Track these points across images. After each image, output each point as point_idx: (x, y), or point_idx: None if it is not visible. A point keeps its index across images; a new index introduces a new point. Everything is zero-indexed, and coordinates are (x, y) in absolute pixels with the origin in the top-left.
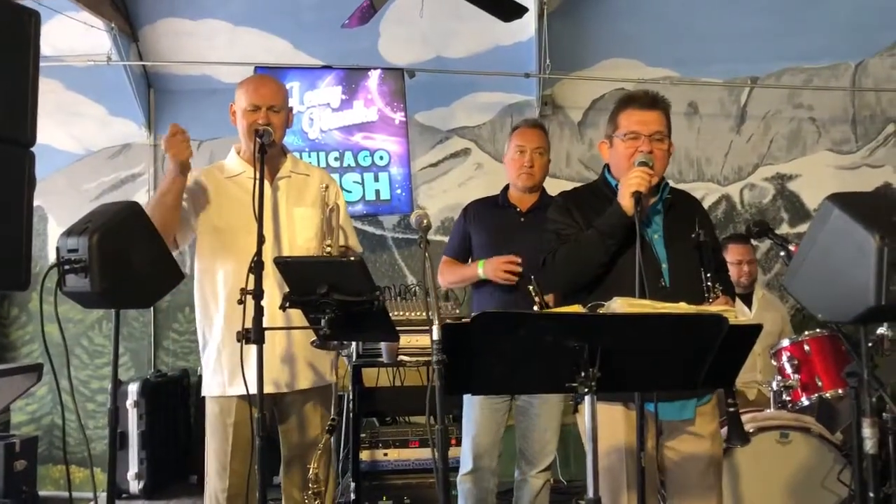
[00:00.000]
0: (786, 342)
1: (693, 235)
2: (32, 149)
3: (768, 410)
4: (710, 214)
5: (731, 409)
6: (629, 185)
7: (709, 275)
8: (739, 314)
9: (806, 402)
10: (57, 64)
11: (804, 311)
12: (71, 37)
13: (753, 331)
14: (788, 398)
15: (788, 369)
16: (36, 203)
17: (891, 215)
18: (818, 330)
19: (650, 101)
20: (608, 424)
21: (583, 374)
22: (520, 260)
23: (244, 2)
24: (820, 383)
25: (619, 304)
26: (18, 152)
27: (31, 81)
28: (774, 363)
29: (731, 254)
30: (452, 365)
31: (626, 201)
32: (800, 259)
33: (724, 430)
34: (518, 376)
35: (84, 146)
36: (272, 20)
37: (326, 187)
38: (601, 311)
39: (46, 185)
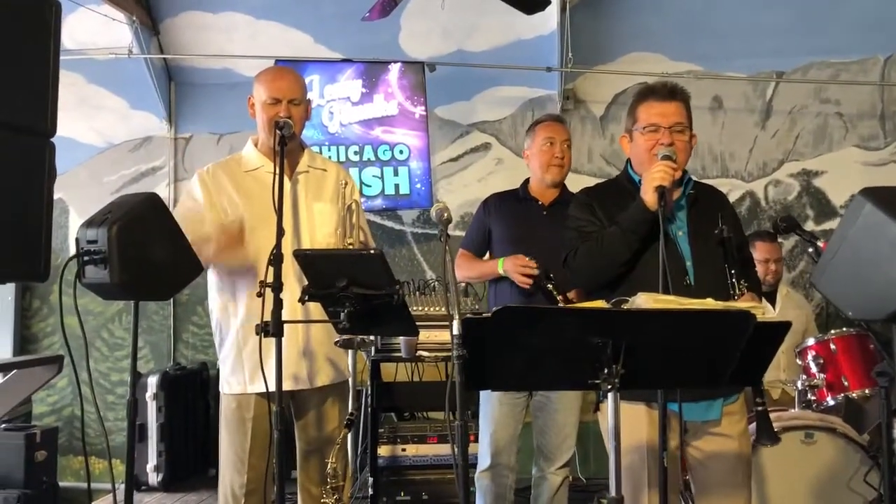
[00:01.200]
0: (811, 341)
1: (716, 231)
2: (54, 141)
3: (793, 410)
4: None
5: (760, 409)
6: (652, 179)
7: (733, 271)
8: (767, 312)
9: (831, 402)
10: (79, 57)
11: (829, 309)
12: (92, 30)
13: (781, 328)
14: (813, 398)
15: (814, 368)
16: (57, 196)
17: None
18: (844, 329)
19: (668, 92)
20: (630, 423)
21: (606, 371)
22: (535, 264)
23: None
24: (846, 383)
25: (643, 300)
26: (39, 142)
27: (51, 72)
28: (799, 362)
29: (758, 252)
30: (472, 360)
31: (649, 196)
32: (829, 255)
33: (752, 426)
34: (539, 372)
35: (105, 139)
36: (293, 13)
37: (346, 184)
38: (625, 306)
39: (68, 178)
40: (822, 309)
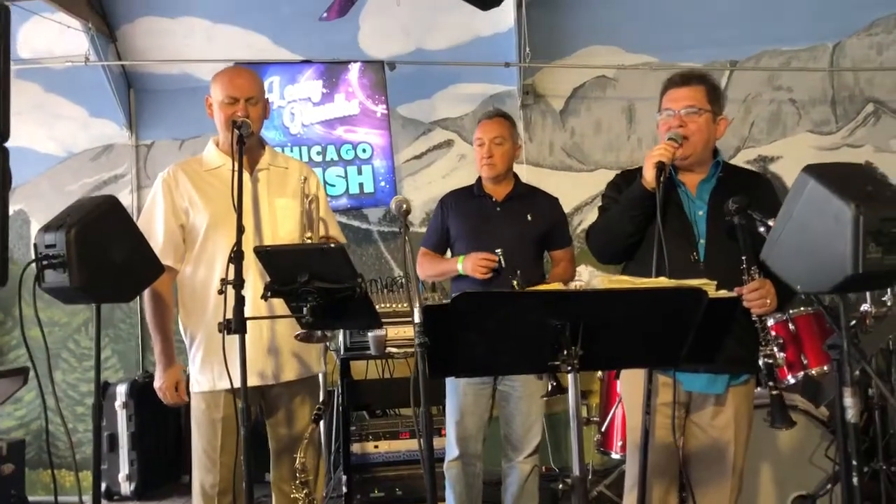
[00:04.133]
0: (771, 321)
1: (727, 219)
2: (13, 151)
3: (757, 389)
4: None
5: (775, 392)
6: (651, 156)
7: (744, 257)
8: None
9: (792, 381)
10: (35, 66)
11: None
12: (48, 38)
13: (733, 303)
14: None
15: (774, 348)
16: (18, 206)
17: (866, 184)
18: (802, 308)
19: (681, 78)
20: (638, 394)
21: (565, 352)
22: (496, 257)
23: None
24: (805, 361)
25: (598, 281)
26: None
27: (2, 75)
28: None
29: None
30: (435, 348)
31: (647, 173)
32: (777, 232)
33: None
34: (501, 357)
35: (65, 148)
36: (250, 16)
37: (305, 179)
38: (580, 287)
39: (28, 189)
40: None
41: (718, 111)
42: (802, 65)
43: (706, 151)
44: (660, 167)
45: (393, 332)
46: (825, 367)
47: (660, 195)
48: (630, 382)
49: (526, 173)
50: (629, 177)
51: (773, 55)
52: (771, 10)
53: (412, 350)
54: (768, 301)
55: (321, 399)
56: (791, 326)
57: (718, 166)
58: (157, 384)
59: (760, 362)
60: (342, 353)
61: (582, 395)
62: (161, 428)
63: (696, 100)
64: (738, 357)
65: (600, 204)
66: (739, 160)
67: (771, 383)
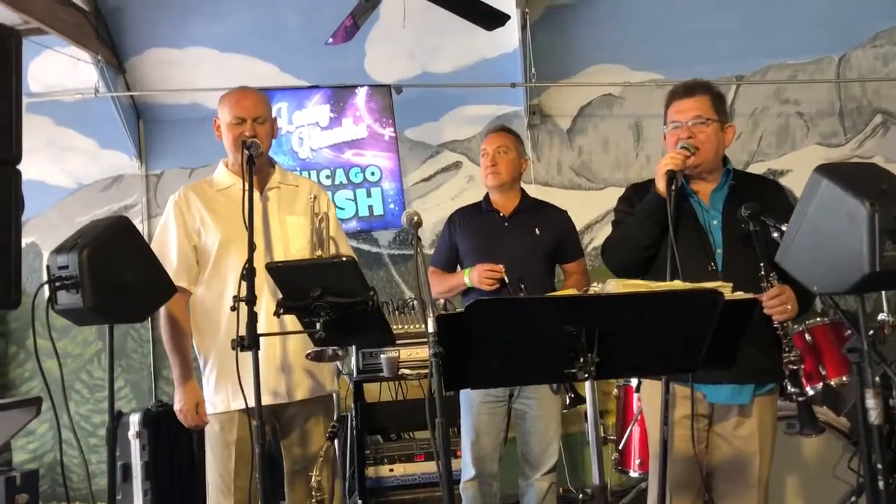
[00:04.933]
0: None
1: (742, 226)
2: (26, 184)
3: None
4: None
5: (801, 399)
6: (662, 165)
7: (762, 264)
8: None
9: (811, 392)
10: (46, 100)
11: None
12: (58, 72)
13: (750, 305)
14: (794, 389)
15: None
16: (30, 239)
17: (879, 182)
18: (819, 319)
19: (686, 89)
20: (659, 401)
21: (581, 359)
22: (501, 267)
23: (229, 28)
24: (824, 371)
25: (613, 286)
26: (5, 170)
27: (14, 99)
28: None
29: None
30: (449, 358)
31: (660, 183)
32: (791, 234)
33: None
34: (517, 366)
35: (76, 180)
36: (257, 44)
37: (315, 197)
38: (594, 292)
39: (40, 221)
40: None
41: (725, 119)
42: (809, 77)
43: (717, 160)
44: (671, 176)
45: (406, 353)
46: (844, 378)
47: (671, 203)
48: (650, 395)
49: (535, 193)
50: (640, 189)
51: (780, 69)
52: (776, 24)
53: (426, 371)
54: (789, 307)
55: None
56: (808, 337)
57: (729, 174)
58: (177, 406)
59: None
60: (355, 375)
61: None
62: (175, 457)
63: (703, 110)
64: (763, 366)
65: (613, 219)
66: None
67: (796, 390)
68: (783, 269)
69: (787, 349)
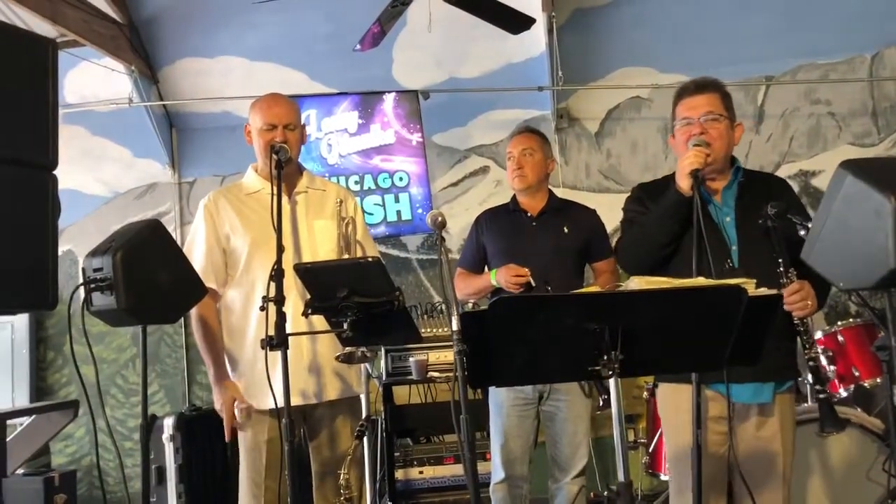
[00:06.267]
0: (819, 334)
1: (760, 221)
2: (62, 193)
3: (805, 404)
4: None
5: (822, 396)
6: (685, 165)
7: (780, 260)
8: None
9: (844, 394)
10: (81, 110)
11: (837, 306)
12: (93, 83)
13: (775, 301)
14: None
15: (823, 361)
16: (66, 247)
17: None
18: (851, 320)
19: (697, 86)
20: (677, 408)
21: (605, 357)
22: (527, 270)
23: (258, 37)
24: (857, 373)
25: (636, 283)
26: (42, 175)
27: (51, 107)
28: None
29: None
30: (473, 355)
31: (683, 182)
32: (816, 230)
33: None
34: (541, 363)
35: (111, 188)
36: (287, 53)
37: (342, 202)
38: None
39: (76, 230)
40: (831, 308)
41: (733, 117)
42: (841, 77)
43: (727, 158)
44: (695, 175)
45: (434, 356)
46: (878, 379)
47: (697, 202)
48: (666, 398)
49: (563, 196)
50: (650, 189)
51: (810, 69)
52: (806, 24)
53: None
54: (809, 303)
55: (364, 416)
56: (840, 339)
57: (739, 171)
58: (217, 405)
59: (809, 378)
60: (384, 378)
61: (628, 418)
62: (208, 460)
63: (714, 106)
64: (783, 363)
65: (624, 219)
66: (780, 175)
67: (818, 387)
68: (802, 265)
69: (807, 346)
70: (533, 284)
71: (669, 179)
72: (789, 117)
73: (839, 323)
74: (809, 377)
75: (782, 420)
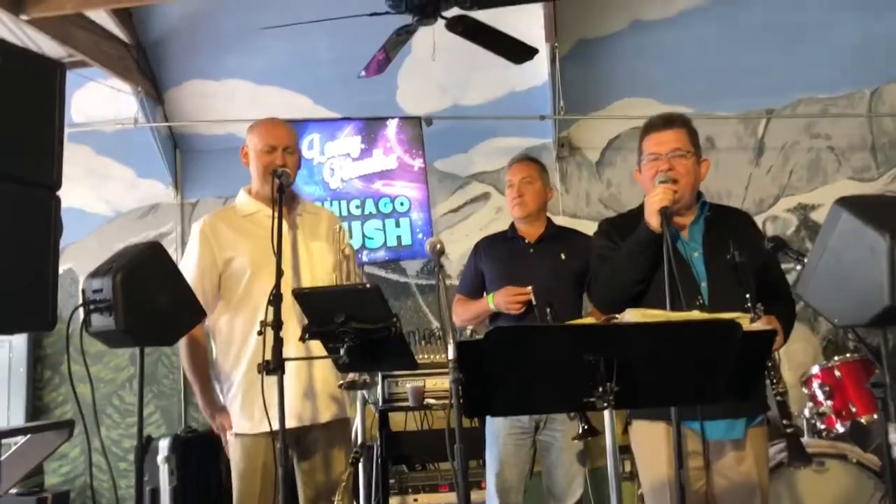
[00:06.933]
0: (816, 369)
1: (728, 257)
2: (64, 212)
3: (802, 439)
4: None
5: (790, 430)
6: (652, 202)
7: (748, 295)
8: None
9: (841, 429)
10: (86, 129)
11: (836, 341)
12: (99, 103)
13: (768, 336)
14: (822, 426)
15: (820, 396)
16: (67, 265)
17: None
18: (849, 355)
19: (664, 121)
20: (651, 446)
21: (600, 388)
22: (528, 290)
23: (264, 61)
24: (854, 409)
25: (631, 315)
26: (45, 195)
27: (56, 129)
28: (805, 391)
29: None
30: (469, 384)
31: (652, 219)
32: (812, 266)
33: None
34: (536, 394)
35: (113, 208)
36: (292, 77)
37: (341, 228)
38: (614, 322)
39: (78, 248)
40: (829, 342)
41: (700, 153)
42: (840, 111)
43: (693, 194)
44: (664, 212)
45: (431, 383)
46: (875, 415)
47: (667, 240)
48: (642, 435)
49: (563, 224)
50: (617, 224)
51: (810, 103)
52: (807, 59)
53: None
54: (778, 338)
55: (360, 443)
56: (837, 374)
57: (705, 206)
58: (214, 424)
59: (806, 412)
60: (381, 404)
61: (622, 450)
62: (203, 483)
63: (681, 142)
64: (754, 398)
65: (594, 255)
66: (779, 208)
67: (785, 421)
68: (768, 300)
69: (774, 380)
70: (534, 302)
71: (635, 213)
72: (789, 150)
73: (836, 358)
74: (806, 411)
75: (756, 454)
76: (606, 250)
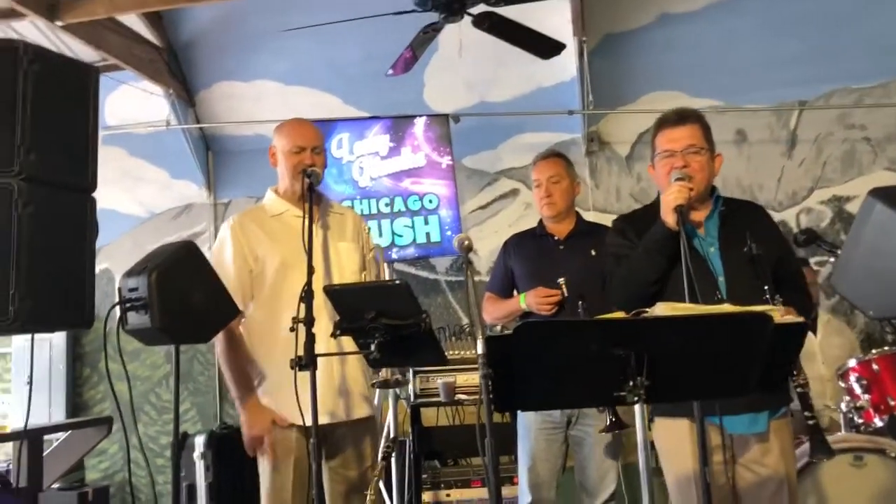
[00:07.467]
0: (853, 362)
1: (745, 249)
2: (100, 213)
3: (839, 433)
4: None
5: (812, 423)
6: (669, 201)
7: (766, 287)
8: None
9: (879, 423)
10: (120, 132)
11: (873, 334)
12: (132, 106)
13: (800, 328)
14: (860, 420)
15: (858, 390)
16: (103, 266)
17: None
18: (886, 348)
19: (678, 117)
20: (674, 442)
21: (630, 383)
22: (558, 291)
23: (293, 62)
24: (893, 402)
25: (661, 309)
26: (82, 198)
27: (91, 132)
28: (842, 384)
29: None
30: (498, 379)
31: (669, 217)
32: (846, 258)
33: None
34: (566, 389)
35: (147, 209)
36: (320, 77)
37: (369, 230)
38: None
39: (112, 249)
40: (866, 336)
41: (713, 149)
42: (875, 102)
43: (708, 189)
44: (680, 210)
45: (462, 378)
46: None
47: (684, 237)
48: (664, 433)
49: (594, 220)
50: (632, 221)
51: (844, 93)
52: (839, 49)
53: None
54: None
55: (392, 437)
56: (875, 367)
57: (719, 201)
58: (250, 432)
59: (843, 406)
60: (413, 399)
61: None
62: (238, 478)
63: (696, 138)
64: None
65: (609, 252)
66: (813, 201)
67: (807, 413)
68: (785, 291)
69: (794, 372)
70: (566, 294)
71: (649, 209)
72: (823, 142)
73: (874, 351)
74: (843, 405)
75: (781, 446)
76: (622, 248)
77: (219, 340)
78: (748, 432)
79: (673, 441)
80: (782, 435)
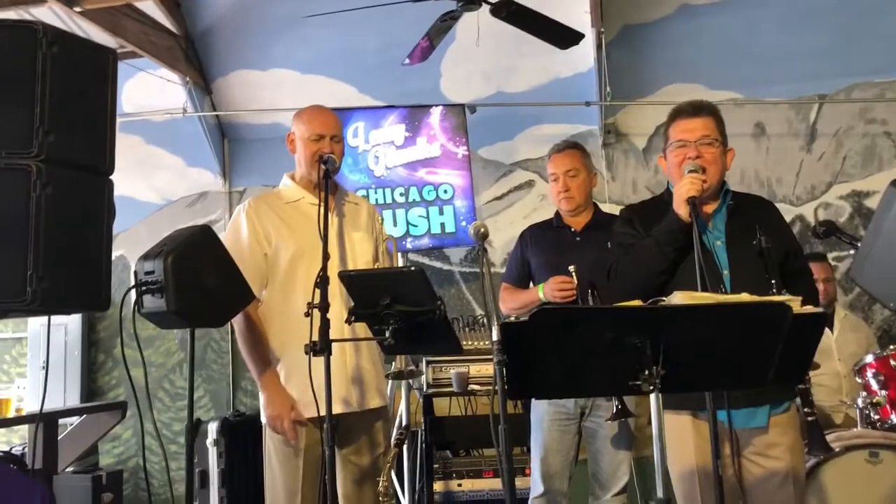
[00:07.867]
0: (870, 358)
1: (753, 242)
2: (116, 200)
3: (855, 429)
4: None
5: (810, 419)
6: (681, 192)
7: (773, 281)
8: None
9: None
10: (137, 119)
11: (890, 330)
12: (149, 93)
13: (818, 319)
14: (877, 416)
15: (874, 385)
16: (119, 252)
17: None
18: None
19: (693, 109)
20: (677, 437)
21: (646, 372)
22: (573, 279)
23: (310, 51)
24: None
25: (679, 298)
26: (100, 180)
27: (109, 114)
28: (859, 380)
29: None
30: (514, 367)
31: (681, 209)
32: (866, 249)
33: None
34: (581, 377)
35: (163, 196)
36: (337, 66)
37: (382, 221)
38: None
39: (128, 236)
40: (884, 332)
41: (726, 142)
42: None
43: (719, 182)
44: (693, 202)
45: (475, 369)
46: None
47: (697, 230)
48: (668, 424)
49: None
50: (639, 211)
51: (865, 87)
52: (861, 42)
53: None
54: None
55: (404, 425)
56: (892, 363)
57: (728, 195)
58: (270, 412)
59: (859, 402)
60: (425, 389)
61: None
62: (250, 465)
63: (710, 130)
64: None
65: (615, 241)
66: (832, 195)
67: (806, 409)
68: (802, 284)
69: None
70: (575, 282)
71: (657, 200)
72: (843, 136)
73: (891, 347)
74: (859, 401)
75: (787, 441)
76: (628, 238)
77: (237, 322)
78: (746, 427)
79: (676, 435)
80: (786, 430)
